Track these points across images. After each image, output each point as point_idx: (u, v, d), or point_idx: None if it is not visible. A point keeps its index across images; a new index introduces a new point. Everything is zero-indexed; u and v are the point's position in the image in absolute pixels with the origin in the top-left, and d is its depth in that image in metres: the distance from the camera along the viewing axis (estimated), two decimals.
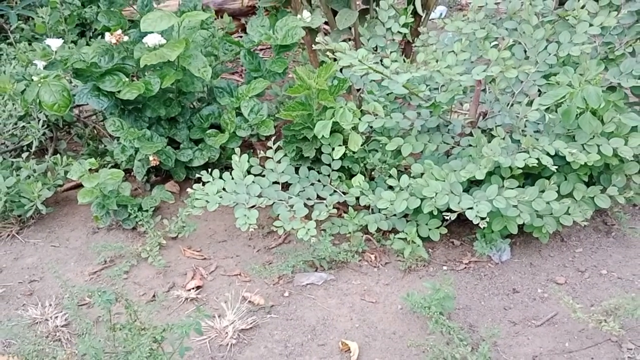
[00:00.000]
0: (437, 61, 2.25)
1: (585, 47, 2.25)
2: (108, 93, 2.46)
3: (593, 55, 2.35)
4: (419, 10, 2.84)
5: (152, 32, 2.36)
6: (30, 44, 3.33)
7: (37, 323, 2.03)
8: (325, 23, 2.94)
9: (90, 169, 2.36)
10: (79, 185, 2.67)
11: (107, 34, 2.47)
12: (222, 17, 3.61)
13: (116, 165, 2.69)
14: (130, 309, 1.59)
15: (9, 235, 2.49)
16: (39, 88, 2.39)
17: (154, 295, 2.14)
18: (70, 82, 2.67)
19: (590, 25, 2.31)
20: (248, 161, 2.35)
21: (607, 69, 2.29)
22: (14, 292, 2.20)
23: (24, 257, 2.38)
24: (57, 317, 2.05)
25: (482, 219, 1.97)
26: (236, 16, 4.20)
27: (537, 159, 2.02)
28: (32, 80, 2.45)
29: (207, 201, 2.18)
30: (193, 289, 2.16)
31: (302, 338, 1.95)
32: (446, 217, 2.06)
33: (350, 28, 2.86)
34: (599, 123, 2.09)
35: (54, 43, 2.40)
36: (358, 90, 2.74)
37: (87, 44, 3.06)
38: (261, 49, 4.09)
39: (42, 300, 2.14)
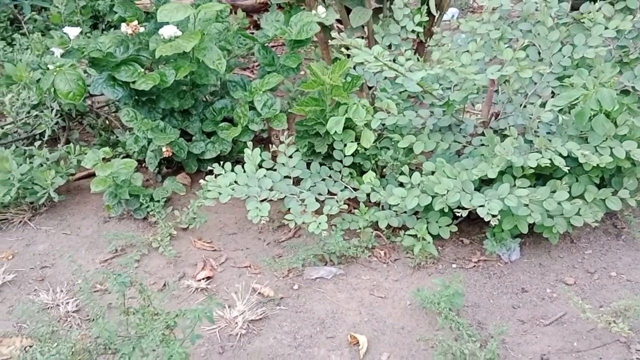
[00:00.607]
0: (451, 60, 2.28)
1: (600, 50, 2.27)
2: (123, 83, 2.50)
3: (607, 58, 2.38)
4: (433, 10, 2.88)
5: (168, 24, 2.40)
6: (43, 35, 3.37)
7: (48, 308, 2.06)
8: (338, 21, 2.98)
9: (103, 158, 2.39)
10: (91, 175, 2.71)
11: (123, 25, 2.51)
12: (235, 13, 3.65)
13: (127, 157, 2.72)
14: (144, 293, 1.62)
15: (21, 221, 2.53)
16: (54, 76, 2.42)
17: (164, 284, 2.17)
18: (85, 72, 2.71)
19: (606, 28, 2.34)
20: (260, 155, 2.38)
21: (622, 73, 2.31)
22: (25, 278, 2.23)
23: (35, 243, 2.41)
24: (68, 302, 2.08)
25: (494, 216, 1.99)
26: (249, 13, 4.24)
27: (550, 159, 2.04)
28: (48, 69, 2.48)
29: (219, 193, 2.21)
30: (203, 279, 2.19)
31: (311, 330, 1.97)
32: (457, 214, 2.08)
33: (363, 27, 2.89)
34: (612, 125, 2.12)
35: (72, 31, 2.44)
36: (370, 88, 2.78)
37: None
38: (273, 46, 4.12)
39: (54, 286, 2.17)
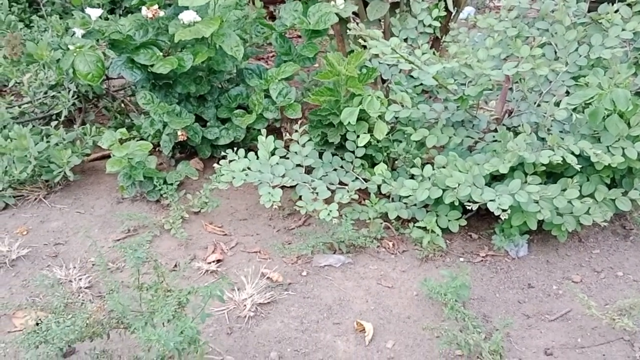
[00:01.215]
0: (467, 55, 2.30)
1: (617, 50, 2.29)
2: (141, 66, 2.54)
3: (623, 59, 2.40)
4: (450, 7, 2.90)
5: (188, 8, 2.44)
6: (61, 18, 3.43)
7: (61, 283, 2.10)
8: (355, 14, 3.00)
9: (119, 139, 2.44)
10: (105, 157, 2.76)
11: (143, 8, 2.55)
12: (253, 3, 3.68)
13: (142, 140, 2.76)
14: (158, 270, 1.66)
15: (36, 199, 2.58)
16: (74, 57, 2.47)
17: (175, 265, 2.22)
18: (104, 54, 2.75)
19: (623, 29, 2.35)
20: (273, 142, 2.42)
21: (637, 74, 2.33)
22: (39, 253, 2.28)
23: (49, 220, 2.47)
24: (80, 279, 2.13)
25: (504, 211, 2.02)
26: (265, 4, 4.26)
27: (562, 157, 2.06)
28: (68, 49, 2.53)
29: (233, 177, 2.25)
30: (213, 262, 2.24)
31: (318, 316, 2.01)
32: (468, 207, 2.11)
33: (380, 20, 2.92)
34: (625, 126, 2.13)
35: (94, 12, 2.49)
36: (385, 81, 2.80)
37: None
38: (288, 37, 4.15)
39: (67, 263, 2.22)
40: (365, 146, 2.46)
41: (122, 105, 3.10)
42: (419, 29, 2.70)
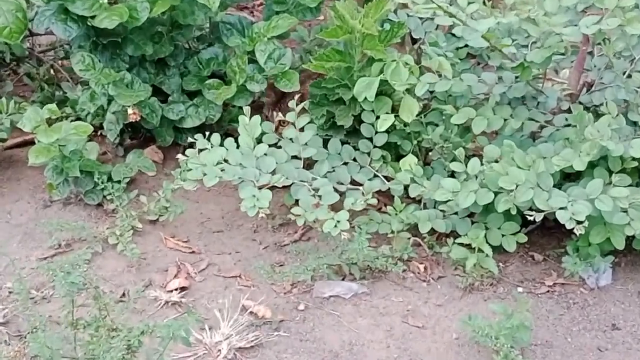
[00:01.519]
0: (531, 7, 2.31)
1: None
2: (79, 18, 2.56)
3: None
4: None
5: None
6: None
7: None
8: None
9: (47, 119, 2.45)
10: (28, 143, 2.78)
11: None
12: None
13: (79, 120, 2.78)
14: (100, 300, 1.68)
15: None
16: None
17: (123, 294, 2.25)
18: (27, 2, 2.76)
19: None
20: (260, 125, 2.43)
21: None
22: None
23: None
24: None
25: (579, 223, 2.03)
26: None
27: None
28: None
29: (204, 173, 2.27)
30: (176, 290, 2.26)
31: None
32: (529, 218, 2.12)
33: None
34: None
35: None
36: (416, 41, 2.81)
37: None
38: None
39: None
40: (387, 131, 2.47)
41: (52, 71, 3.12)
42: None
